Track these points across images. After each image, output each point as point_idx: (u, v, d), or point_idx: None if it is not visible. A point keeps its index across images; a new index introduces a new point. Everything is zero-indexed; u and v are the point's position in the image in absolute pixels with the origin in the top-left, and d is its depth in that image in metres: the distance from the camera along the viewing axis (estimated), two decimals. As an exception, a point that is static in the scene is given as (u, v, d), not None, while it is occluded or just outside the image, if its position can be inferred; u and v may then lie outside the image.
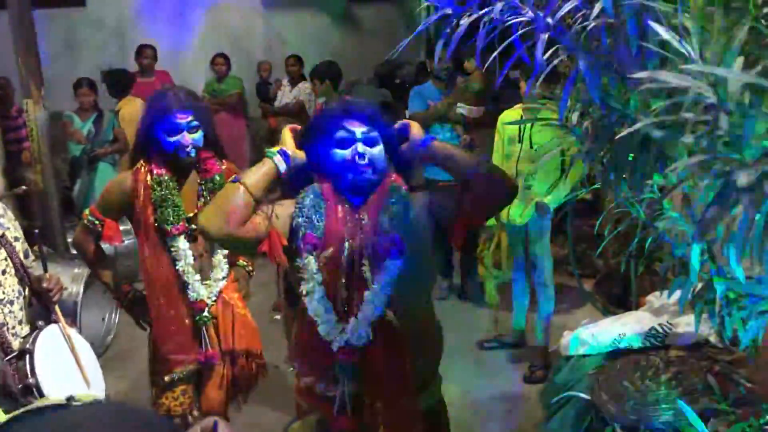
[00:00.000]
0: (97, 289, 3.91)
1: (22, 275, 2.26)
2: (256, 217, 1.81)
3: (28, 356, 2.12)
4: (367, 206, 1.88)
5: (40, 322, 2.28)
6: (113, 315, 4.18)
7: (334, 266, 1.85)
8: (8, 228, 2.25)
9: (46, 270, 2.44)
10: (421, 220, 1.90)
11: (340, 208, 1.87)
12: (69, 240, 4.54)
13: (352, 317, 1.85)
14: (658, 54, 0.68)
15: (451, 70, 4.68)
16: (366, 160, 1.82)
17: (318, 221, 1.86)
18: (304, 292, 1.86)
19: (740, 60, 0.58)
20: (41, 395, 2.05)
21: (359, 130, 1.84)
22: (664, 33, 0.61)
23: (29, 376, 2.09)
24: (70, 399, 1.63)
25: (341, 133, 1.85)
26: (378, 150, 1.86)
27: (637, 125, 0.66)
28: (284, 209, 1.90)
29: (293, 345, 2.14)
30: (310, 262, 1.85)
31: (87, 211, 2.56)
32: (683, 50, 0.60)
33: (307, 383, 1.95)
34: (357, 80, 8.80)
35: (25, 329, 2.27)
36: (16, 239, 2.28)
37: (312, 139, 1.91)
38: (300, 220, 1.86)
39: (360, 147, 1.83)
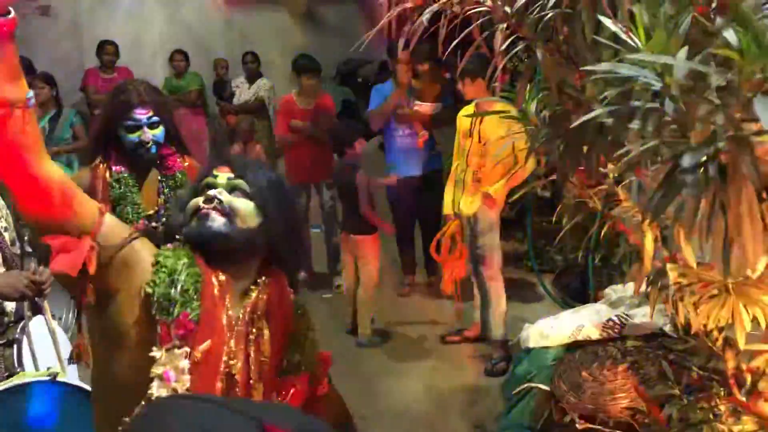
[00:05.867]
0: (52, 289, 3.83)
1: (11, 264, 2.26)
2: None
3: (15, 345, 2.13)
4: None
5: (28, 313, 2.28)
6: (70, 314, 4.09)
7: (211, 368, 1.35)
8: None
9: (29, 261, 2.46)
10: None
11: (215, 280, 1.37)
12: (25, 238, 4.43)
13: None
14: (611, 42, 0.71)
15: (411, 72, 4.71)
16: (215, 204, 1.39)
17: (194, 297, 1.32)
18: (154, 392, 1.29)
19: (684, 49, 0.62)
20: None
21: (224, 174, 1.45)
22: (611, 25, 0.64)
23: (16, 365, 2.11)
24: (53, 376, 1.67)
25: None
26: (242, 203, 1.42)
27: (592, 114, 0.69)
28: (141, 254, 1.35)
29: None
30: (177, 358, 1.29)
31: (43, 208, 2.51)
32: (630, 42, 0.63)
33: None
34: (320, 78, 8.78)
35: (10, 317, 2.26)
36: (6, 229, 2.27)
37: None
38: (162, 291, 1.30)
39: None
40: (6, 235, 2.29)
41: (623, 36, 0.66)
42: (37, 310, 2.33)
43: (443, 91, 4.71)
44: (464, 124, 3.85)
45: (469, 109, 3.84)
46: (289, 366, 1.49)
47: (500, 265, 3.94)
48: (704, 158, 0.59)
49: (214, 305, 1.35)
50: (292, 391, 1.49)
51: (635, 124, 0.63)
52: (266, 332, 1.43)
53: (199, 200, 1.39)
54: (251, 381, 1.40)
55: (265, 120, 6.55)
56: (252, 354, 1.40)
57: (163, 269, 1.31)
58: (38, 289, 2.21)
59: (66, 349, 2.42)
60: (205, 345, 1.33)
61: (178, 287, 1.30)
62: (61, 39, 7.49)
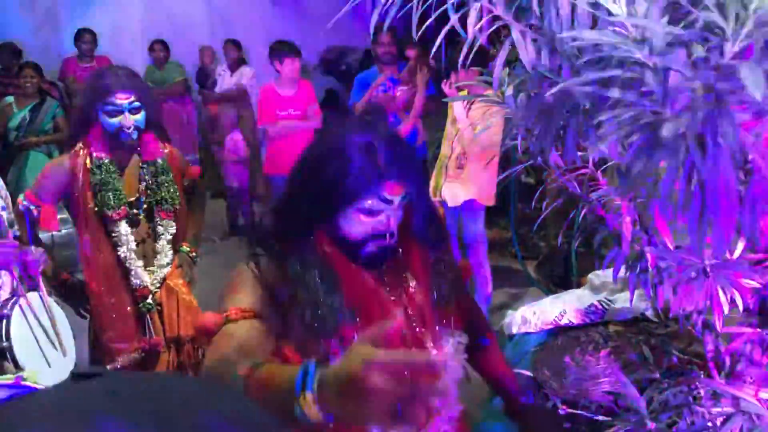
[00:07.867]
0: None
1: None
2: None
3: (4, 321, 2.14)
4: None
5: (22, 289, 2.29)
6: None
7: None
8: None
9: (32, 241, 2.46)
10: None
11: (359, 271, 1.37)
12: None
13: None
14: (589, 17, 0.70)
15: (393, 55, 4.69)
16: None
17: (335, 302, 1.30)
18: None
19: (665, 19, 0.61)
20: (14, 359, 2.12)
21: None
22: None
23: (3, 339, 2.13)
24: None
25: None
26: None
27: (564, 83, 0.68)
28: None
29: None
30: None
31: (21, 197, 2.49)
32: (610, 7, 0.62)
33: None
34: (302, 66, 8.73)
35: (5, 295, 2.25)
36: (3, 209, 2.26)
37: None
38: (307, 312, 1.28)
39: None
40: (4, 214, 2.28)
41: (602, 2, 0.65)
42: (33, 286, 2.32)
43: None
44: (451, 110, 3.84)
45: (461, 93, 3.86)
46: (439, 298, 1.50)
47: (485, 252, 3.95)
48: (683, 129, 0.59)
49: (368, 293, 1.36)
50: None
51: (613, 93, 0.62)
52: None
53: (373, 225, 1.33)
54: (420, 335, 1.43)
55: (248, 109, 6.48)
56: (408, 307, 1.43)
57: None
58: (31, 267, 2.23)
59: (65, 326, 2.41)
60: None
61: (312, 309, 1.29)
62: (38, 28, 7.38)
